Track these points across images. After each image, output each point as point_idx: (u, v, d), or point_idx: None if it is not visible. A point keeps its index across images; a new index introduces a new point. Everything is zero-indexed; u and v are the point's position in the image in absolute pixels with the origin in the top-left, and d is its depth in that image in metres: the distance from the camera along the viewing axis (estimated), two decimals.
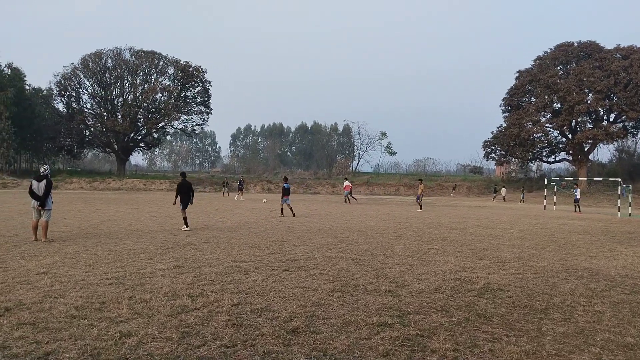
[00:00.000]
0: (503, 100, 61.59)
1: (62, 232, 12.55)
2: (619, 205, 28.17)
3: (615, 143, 56.52)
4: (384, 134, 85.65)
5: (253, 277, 7.43)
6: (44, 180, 11.05)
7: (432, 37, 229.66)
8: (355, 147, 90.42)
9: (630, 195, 30.88)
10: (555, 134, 58.33)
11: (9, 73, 58.99)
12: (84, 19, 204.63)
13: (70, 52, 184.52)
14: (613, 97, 52.78)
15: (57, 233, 12.25)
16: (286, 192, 20.25)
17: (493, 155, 61.96)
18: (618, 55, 52.62)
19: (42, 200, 10.94)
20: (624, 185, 33.12)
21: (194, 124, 70.71)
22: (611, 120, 55.07)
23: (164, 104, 65.59)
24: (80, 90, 64.98)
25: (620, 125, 54.20)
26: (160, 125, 67.41)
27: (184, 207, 14.37)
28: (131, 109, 63.72)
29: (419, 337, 4.79)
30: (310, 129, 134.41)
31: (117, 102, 66.21)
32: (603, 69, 51.58)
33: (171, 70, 66.53)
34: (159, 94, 65.62)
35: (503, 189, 49.05)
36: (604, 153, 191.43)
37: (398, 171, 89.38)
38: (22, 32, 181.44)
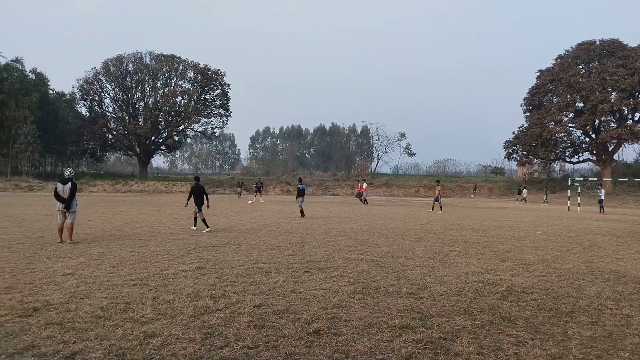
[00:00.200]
0: (524, 100, 60.74)
1: (87, 234, 12.80)
2: None
3: None
4: (403, 135, 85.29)
5: (274, 278, 7.47)
6: (69, 183, 11.28)
7: (458, 34, 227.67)
8: (374, 148, 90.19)
9: None
10: (579, 134, 57.28)
11: (33, 78, 60.51)
12: (83, 19, 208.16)
13: (72, 52, 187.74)
14: (638, 95, 51.58)
15: (82, 235, 12.49)
16: (301, 193, 20.44)
17: (515, 155, 61.11)
18: None
19: (67, 203, 11.16)
20: None
21: (214, 126, 71.51)
22: (636, 119, 53.78)
23: (184, 107, 66.46)
24: (103, 94, 66.30)
25: None
26: (180, 128, 68.31)
27: (200, 210, 14.51)
28: (152, 113, 64.71)
29: (442, 340, 4.75)
30: (328, 131, 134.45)
31: (139, 106, 67.33)
32: (627, 67, 50.41)
33: (191, 74, 67.40)
34: (179, 97, 66.54)
35: (524, 190, 48.31)
36: (629, 153, 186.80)
37: (418, 172, 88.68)
38: (34, 34, 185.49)
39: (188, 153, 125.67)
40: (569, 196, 34.33)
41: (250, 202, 33.73)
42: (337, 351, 4.40)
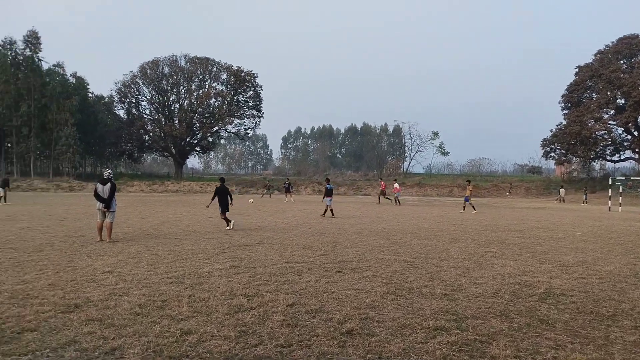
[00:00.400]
0: (562, 97, 58.96)
1: (125, 233, 13.17)
2: None
3: None
4: (435, 134, 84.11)
5: (306, 278, 7.50)
6: (109, 184, 11.63)
7: (487, 29, 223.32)
8: (406, 147, 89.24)
9: None
10: (620, 132, 55.22)
11: (73, 82, 62.76)
12: (83, 18, 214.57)
13: (76, 54, 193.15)
14: None
15: (121, 234, 12.86)
16: (329, 193, 20.48)
17: (552, 154, 59.42)
18: None
19: (107, 203, 11.51)
20: None
21: (247, 127, 72.56)
22: None
23: (218, 109, 67.61)
24: (140, 97, 68.24)
25: None
26: (214, 129, 69.55)
27: (223, 210, 14.75)
28: (187, 114, 66.11)
29: (477, 343, 4.67)
30: (359, 130, 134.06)
31: (174, 108, 68.92)
32: None
33: (224, 76, 68.51)
34: (213, 99, 67.77)
35: (562, 190, 46.88)
36: None
37: (451, 172, 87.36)
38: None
39: (222, 154, 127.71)
40: (610, 196, 33.07)
41: (291, 200, 34.04)
42: (371, 352, 4.38)
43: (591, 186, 52.98)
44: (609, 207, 31.96)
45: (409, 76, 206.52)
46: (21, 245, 10.53)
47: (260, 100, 71.11)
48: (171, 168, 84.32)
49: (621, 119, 51.36)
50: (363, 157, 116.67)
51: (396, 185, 34.12)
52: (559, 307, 6.01)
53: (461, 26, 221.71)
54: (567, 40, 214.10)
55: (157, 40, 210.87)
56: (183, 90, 68.10)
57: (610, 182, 35.38)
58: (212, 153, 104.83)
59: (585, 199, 45.08)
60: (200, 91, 67.29)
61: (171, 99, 68.72)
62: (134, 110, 68.82)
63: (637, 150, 53.73)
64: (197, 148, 74.94)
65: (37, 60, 56.12)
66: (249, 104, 71.02)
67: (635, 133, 53.01)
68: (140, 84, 66.95)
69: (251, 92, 70.32)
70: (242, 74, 67.76)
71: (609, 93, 52.52)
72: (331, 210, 20.36)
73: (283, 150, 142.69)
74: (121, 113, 70.05)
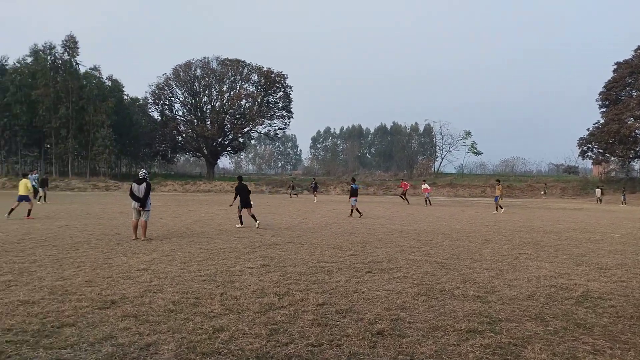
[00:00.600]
0: (599, 94, 57.06)
1: (159, 231, 13.46)
2: None
3: None
4: (468, 133, 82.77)
5: (336, 278, 7.50)
6: (144, 183, 11.90)
7: (528, 24, 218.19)
8: (437, 147, 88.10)
9: None
10: None
11: (109, 84, 64.53)
12: (117, 22, 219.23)
13: (112, 57, 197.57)
14: None
15: (155, 232, 13.15)
16: (354, 193, 20.42)
17: (590, 153, 57.67)
18: None
19: (142, 202, 11.79)
20: None
21: (277, 128, 73.22)
22: None
23: (249, 110, 68.39)
24: (173, 98, 69.73)
25: None
26: (245, 130, 70.38)
27: (245, 206, 15.18)
28: (219, 115, 67.13)
29: (511, 346, 4.56)
30: (389, 130, 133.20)
31: (206, 109, 70.10)
32: None
33: (255, 77, 69.25)
34: (244, 100, 68.61)
35: (597, 190, 45.32)
36: None
37: (484, 172, 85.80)
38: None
39: (252, 154, 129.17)
40: None
41: (315, 200, 34.29)
42: (402, 353, 4.34)
43: (630, 187, 51.06)
44: None
45: (440, 74, 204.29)
46: (60, 242, 10.90)
47: (290, 101, 71.65)
48: (203, 168, 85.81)
49: None
50: (393, 156, 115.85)
51: (425, 185, 33.69)
52: (597, 311, 5.82)
53: (500, 20, 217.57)
54: (602, 36, 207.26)
55: (189, 43, 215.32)
56: (215, 92, 69.21)
57: None
58: (242, 153, 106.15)
59: (624, 199, 43.47)
60: (232, 92, 68.21)
61: (203, 100, 69.94)
62: (167, 111, 70.39)
63: None
64: (228, 148, 76.01)
65: (74, 64, 57.94)
66: (279, 104, 71.64)
67: None
68: (174, 86, 68.41)
69: (281, 93, 70.90)
70: (273, 75, 68.36)
71: None
72: (357, 209, 20.33)
73: (312, 150, 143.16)
74: (155, 114, 71.85)
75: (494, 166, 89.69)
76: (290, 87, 70.86)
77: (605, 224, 18.93)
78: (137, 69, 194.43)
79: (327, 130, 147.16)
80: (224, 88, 68.91)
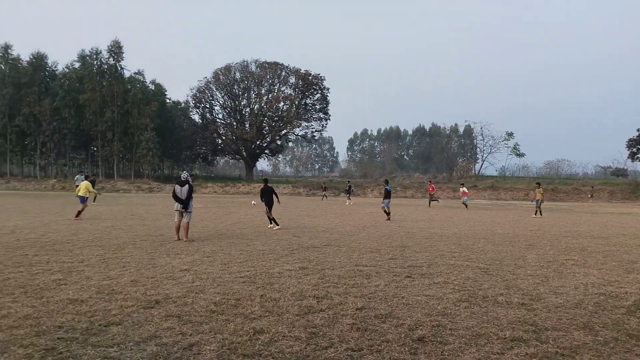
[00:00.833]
0: None
1: (200, 233, 13.74)
2: None
3: None
4: (510, 135, 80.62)
5: (375, 282, 7.43)
6: (187, 185, 12.18)
7: (567, 28, 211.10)
8: (478, 149, 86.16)
9: None
10: None
11: (152, 89, 66.51)
12: (162, 26, 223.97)
13: (154, 61, 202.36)
14: None
15: (196, 233, 13.43)
16: (387, 195, 20.22)
17: None
18: None
19: (185, 203, 12.07)
20: None
21: (314, 130, 73.54)
22: None
23: (286, 112, 69.04)
24: (213, 102, 71.22)
25: None
26: (283, 132, 71.05)
27: (270, 209, 15.56)
28: (257, 118, 68.05)
29: (559, 356, 4.39)
30: (428, 132, 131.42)
31: (245, 112, 71.22)
32: None
33: (292, 80, 69.84)
34: (282, 103, 69.31)
35: None
36: None
37: (527, 174, 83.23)
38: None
39: (289, 156, 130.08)
40: None
41: (350, 203, 34.26)
42: None
43: None
44: None
45: (481, 76, 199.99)
46: (106, 243, 11.29)
47: (327, 103, 71.85)
48: (242, 170, 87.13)
49: None
50: (432, 158, 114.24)
51: (464, 189, 32.97)
52: None
53: (536, 27, 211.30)
54: None
55: (228, 46, 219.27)
56: (253, 95, 70.21)
57: None
58: (280, 156, 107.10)
59: None
60: (270, 95, 69.04)
61: (242, 103, 71.10)
62: (207, 115, 71.93)
63: None
64: (267, 151, 76.91)
65: (119, 68, 60.07)
66: (316, 106, 71.95)
67: None
68: (214, 89, 69.87)
69: (318, 95, 71.21)
70: (310, 77, 68.75)
71: None
72: (387, 212, 20.19)
73: (349, 153, 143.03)
74: (196, 118, 73.57)
75: (538, 168, 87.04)
76: (328, 89, 71.13)
77: None
78: (178, 74, 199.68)
79: (364, 132, 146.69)
80: (263, 91, 69.83)
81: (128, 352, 4.30)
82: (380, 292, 6.76)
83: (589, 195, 52.24)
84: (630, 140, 54.93)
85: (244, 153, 71.89)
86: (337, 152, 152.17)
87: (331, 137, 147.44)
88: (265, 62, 68.88)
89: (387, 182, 22.13)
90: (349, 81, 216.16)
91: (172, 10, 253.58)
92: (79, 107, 57.25)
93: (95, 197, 27.36)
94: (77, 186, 29.60)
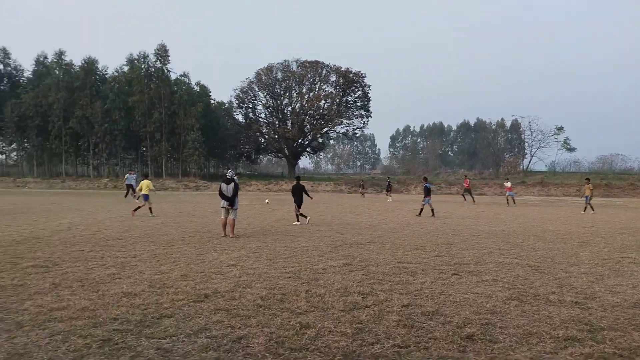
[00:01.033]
0: None
1: (246, 229, 13.99)
2: None
3: None
4: (560, 129, 77.84)
5: (421, 279, 7.34)
6: (232, 183, 12.43)
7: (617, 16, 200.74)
8: (526, 143, 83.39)
9: None
10: None
11: (198, 90, 68.20)
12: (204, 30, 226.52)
13: (198, 64, 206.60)
14: None
15: (242, 230, 13.68)
16: (427, 192, 19.84)
17: None
18: None
19: (231, 201, 12.32)
20: None
21: (355, 127, 73.28)
22: None
23: (327, 110, 69.09)
24: (256, 101, 72.24)
25: None
26: (324, 130, 71.21)
27: (299, 206, 16.17)
28: (299, 117, 68.51)
29: (617, 357, 4.22)
30: (473, 127, 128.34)
31: (286, 111, 71.86)
32: None
33: (333, 78, 69.81)
34: (323, 101, 69.37)
35: None
36: None
37: (578, 169, 79.78)
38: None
39: (331, 154, 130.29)
40: None
41: (389, 200, 34.03)
42: (494, 359, 4.16)
43: None
44: None
45: (528, 68, 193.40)
46: (157, 239, 11.68)
47: (369, 100, 71.39)
48: (284, 168, 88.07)
49: None
50: (477, 154, 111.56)
51: (508, 184, 31.94)
52: None
53: (585, 16, 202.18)
54: None
55: (269, 47, 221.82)
56: (295, 94, 70.69)
57: None
58: (321, 153, 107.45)
59: None
60: (311, 94, 69.31)
61: (284, 102, 71.74)
62: (250, 114, 73.06)
63: None
64: (308, 149, 77.31)
65: (166, 71, 61.87)
66: (358, 104, 71.65)
67: None
68: (256, 89, 70.83)
69: (359, 92, 70.87)
70: (351, 75, 68.52)
71: None
72: (421, 210, 19.84)
73: (391, 149, 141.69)
74: (239, 117, 74.82)
75: (590, 163, 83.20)
76: (369, 86, 70.66)
77: None
78: (222, 74, 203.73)
79: (407, 128, 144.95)
80: (304, 90, 70.18)
81: (180, 344, 4.45)
82: (427, 289, 6.68)
83: None
84: None
85: (286, 151, 72.54)
86: (379, 149, 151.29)
87: (373, 134, 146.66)
88: (306, 61, 69.19)
89: (426, 179, 21.78)
90: (391, 77, 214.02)
91: (215, 15, 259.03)
92: (128, 109, 59.43)
93: (134, 193, 28.33)
94: (127, 185, 30.89)
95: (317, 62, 68.86)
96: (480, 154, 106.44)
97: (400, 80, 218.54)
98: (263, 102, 72.23)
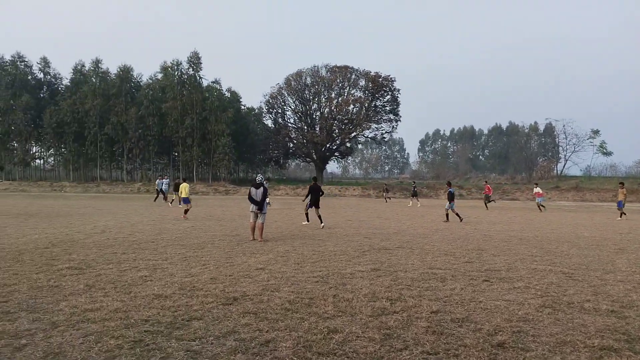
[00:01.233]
0: None
1: (274, 233, 14.09)
2: None
3: None
4: (595, 132, 75.31)
5: (450, 285, 7.24)
6: (261, 188, 12.56)
7: None
8: (560, 148, 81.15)
9: None
10: None
11: (228, 96, 69.27)
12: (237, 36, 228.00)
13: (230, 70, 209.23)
14: None
15: (270, 234, 13.79)
16: (451, 197, 19.52)
17: None
18: None
19: (260, 205, 12.45)
20: None
21: (384, 132, 72.89)
22: None
23: (356, 115, 68.95)
24: (285, 107, 72.76)
25: None
26: (352, 135, 71.05)
27: (316, 206, 16.33)
28: (327, 122, 68.63)
29: None
30: (505, 130, 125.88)
31: (315, 116, 72.12)
32: None
33: (362, 82, 69.63)
34: (351, 106, 69.27)
35: None
36: None
37: (615, 174, 77.16)
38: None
39: (359, 158, 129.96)
40: None
41: (409, 204, 33.55)
42: None
43: None
44: None
45: (561, 71, 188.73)
46: (187, 242, 11.88)
47: (398, 104, 70.93)
48: (313, 173, 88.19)
49: None
50: (509, 158, 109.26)
51: (538, 189, 31.09)
52: None
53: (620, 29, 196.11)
54: None
55: (299, 53, 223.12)
56: (324, 99, 70.88)
57: None
58: (350, 158, 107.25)
59: None
60: (340, 99, 69.34)
61: (313, 107, 72.02)
62: (280, 119, 73.65)
63: None
64: (336, 153, 77.30)
65: (198, 78, 63.14)
66: (386, 108, 71.28)
67: None
68: (286, 94, 71.38)
69: (388, 97, 70.48)
70: (380, 79, 68.26)
71: None
72: (447, 215, 19.51)
73: (420, 154, 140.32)
74: (269, 123, 75.55)
75: (627, 168, 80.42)
76: (398, 90, 70.24)
77: None
78: (254, 79, 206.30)
79: (436, 132, 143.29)
80: (333, 94, 70.29)
81: (209, 346, 4.51)
82: (456, 295, 6.59)
83: None
84: None
85: (314, 156, 72.73)
86: (408, 153, 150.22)
87: (402, 138, 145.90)
88: (335, 66, 69.31)
89: (449, 183, 21.50)
90: (420, 81, 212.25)
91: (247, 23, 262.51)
92: (161, 115, 60.89)
93: (179, 200, 28.75)
94: (158, 190, 31.45)
95: (346, 67, 68.89)
96: (512, 158, 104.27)
97: (432, 87, 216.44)
98: (292, 107, 72.73)
